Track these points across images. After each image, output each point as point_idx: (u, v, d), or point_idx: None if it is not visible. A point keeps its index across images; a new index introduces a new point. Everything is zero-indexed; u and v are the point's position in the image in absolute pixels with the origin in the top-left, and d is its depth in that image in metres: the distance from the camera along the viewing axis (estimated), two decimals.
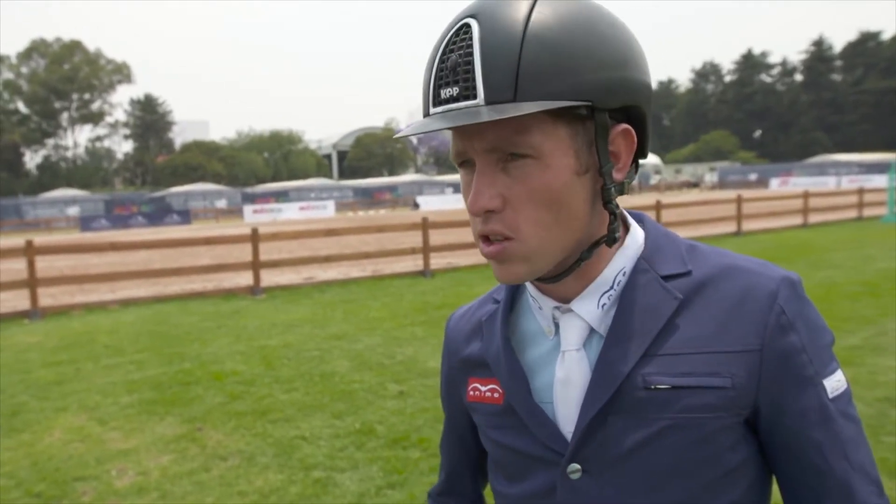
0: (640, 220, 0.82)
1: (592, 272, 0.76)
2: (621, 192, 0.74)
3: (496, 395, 0.82)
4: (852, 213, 19.63)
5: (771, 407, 0.72)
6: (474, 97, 0.66)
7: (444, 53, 0.69)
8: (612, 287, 0.76)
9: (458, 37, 0.68)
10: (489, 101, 0.65)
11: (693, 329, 0.73)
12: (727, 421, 0.71)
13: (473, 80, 0.66)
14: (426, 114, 0.71)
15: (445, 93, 0.68)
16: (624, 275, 0.76)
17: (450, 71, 0.67)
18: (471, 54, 0.66)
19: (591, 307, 0.76)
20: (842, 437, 0.72)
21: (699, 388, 0.71)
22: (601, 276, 0.76)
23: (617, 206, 0.73)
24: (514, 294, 0.86)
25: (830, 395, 0.72)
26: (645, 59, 0.74)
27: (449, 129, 0.68)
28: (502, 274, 0.72)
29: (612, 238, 0.73)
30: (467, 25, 0.67)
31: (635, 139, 0.73)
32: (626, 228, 0.80)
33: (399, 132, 0.73)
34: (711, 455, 0.71)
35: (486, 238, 0.71)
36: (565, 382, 0.76)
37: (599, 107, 0.68)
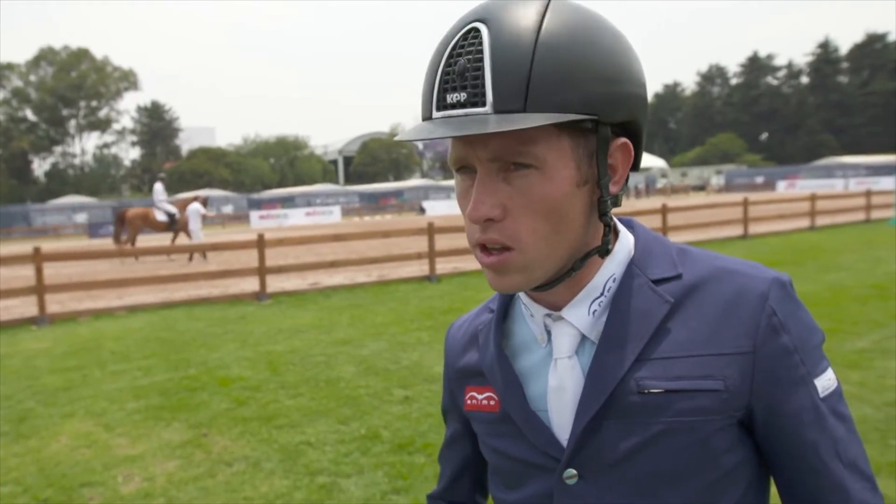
0: (630, 226, 0.82)
1: (583, 279, 0.76)
2: (616, 205, 0.74)
3: (492, 402, 0.82)
4: (860, 216, 19.50)
5: (764, 408, 0.72)
6: (483, 104, 0.64)
7: (450, 56, 0.66)
8: (602, 293, 0.76)
9: (467, 41, 0.66)
10: (498, 110, 0.64)
11: (685, 332, 0.73)
12: (721, 423, 0.71)
13: (483, 86, 0.64)
14: (427, 117, 0.69)
15: (452, 98, 0.66)
16: (614, 281, 0.77)
17: (457, 75, 0.65)
18: (481, 59, 0.64)
19: (582, 314, 0.76)
20: (834, 436, 0.72)
21: (693, 391, 0.71)
22: (591, 282, 0.76)
23: (611, 219, 0.74)
24: (508, 303, 0.86)
25: (821, 395, 0.73)
26: (643, 72, 0.73)
27: (454, 137, 0.66)
28: (497, 283, 0.72)
29: (605, 249, 0.74)
30: (476, 30, 0.66)
31: (632, 153, 0.73)
32: (616, 235, 0.80)
33: (401, 136, 0.70)
34: (708, 458, 0.71)
35: (483, 247, 0.70)
36: (558, 390, 0.76)
37: (604, 121, 0.68)
